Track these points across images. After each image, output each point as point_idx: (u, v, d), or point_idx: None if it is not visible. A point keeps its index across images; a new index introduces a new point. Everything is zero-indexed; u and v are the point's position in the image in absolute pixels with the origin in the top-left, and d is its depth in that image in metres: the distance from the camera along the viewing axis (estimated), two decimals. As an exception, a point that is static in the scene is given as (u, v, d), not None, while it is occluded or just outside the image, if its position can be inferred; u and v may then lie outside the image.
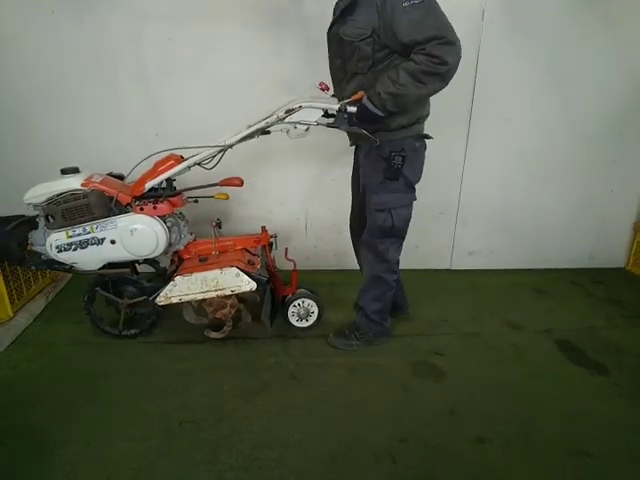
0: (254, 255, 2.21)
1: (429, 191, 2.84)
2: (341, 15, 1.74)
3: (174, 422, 1.73)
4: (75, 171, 2.01)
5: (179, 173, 1.99)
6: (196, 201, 2.15)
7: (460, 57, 1.59)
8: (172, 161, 1.98)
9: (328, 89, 1.88)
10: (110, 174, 2.15)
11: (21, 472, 1.52)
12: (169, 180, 2.02)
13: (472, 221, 2.95)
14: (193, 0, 2.41)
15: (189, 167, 1.99)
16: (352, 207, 2.24)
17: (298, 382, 1.96)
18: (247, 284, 2.02)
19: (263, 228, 2.23)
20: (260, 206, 2.83)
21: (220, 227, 2.15)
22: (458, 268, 3.06)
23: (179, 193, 2.06)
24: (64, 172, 2.00)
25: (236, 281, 2.01)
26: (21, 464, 1.55)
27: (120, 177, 2.13)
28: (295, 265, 2.23)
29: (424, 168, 1.95)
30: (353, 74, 1.79)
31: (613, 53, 2.62)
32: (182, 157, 2.01)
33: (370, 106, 1.69)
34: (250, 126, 1.92)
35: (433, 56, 1.55)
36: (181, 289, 2.02)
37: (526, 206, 2.93)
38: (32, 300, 2.48)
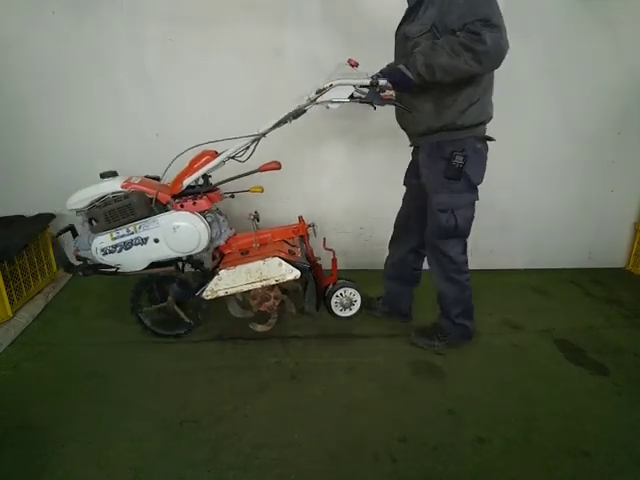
0: (293, 246, 2.22)
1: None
2: (409, 15, 1.81)
3: (174, 422, 1.73)
4: (114, 174, 2.03)
5: (215, 168, 1.99)
6: (232, 196, 2.15)
7: (502, 47, 1.58)
8: (207, 157, 1.98)
9: (357, 65, 1.87)
10: (147, 177, 2.15)
11: (21, 472, 1.52)
12: (205, 176, 2.02)
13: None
14: (193, 0, 2.42)
15: (224, 161, 1.99)
16: (402, 207, 2.25)
17: (298, 382, 1.96)
18: (291, 272, 2.03)
19: (300, 218, 2.22)
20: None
21: (258, 220, 2.14)
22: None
23: (216, 188, 2.06)
24: (103, 176, 2.01)
25: (279, 270, 2.02)
26: (21, 464, 1.55)
27: (156, 179, 2.16)
28: (334, 254, 2.22)
29: None
30: None
31: (613, 53, 2.63)
32: (216, 152, 2.01)
33: (404, 69, 1.69)
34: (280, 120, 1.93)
35: (473, 32, 1.56)
36: (226, 282, 2.03)
37: (526, 206, 2.93)
38: (32, 300, 2.48)
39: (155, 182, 2.11)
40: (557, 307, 2.63)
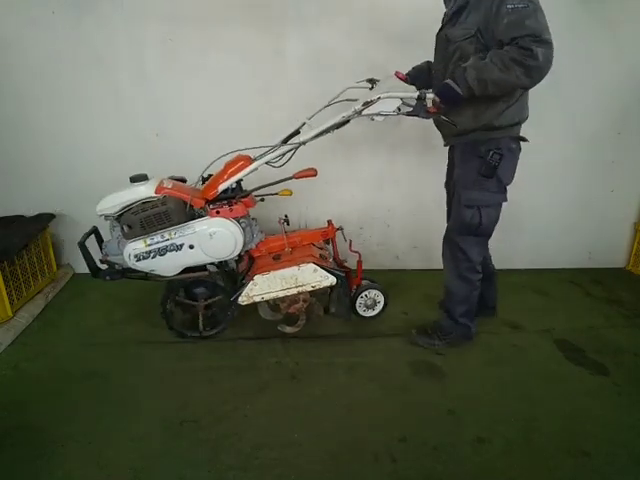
0: (321, 248, 2.24)
1: (429, 191, 2.87)
2: (451, 19, 1.82)
3: (174, 422, 1.73)
4: (144, 178, 1.99)
5: (249, 174, 1.98)
6: (262, 199, 2.14)
7: (551, 63, 1.61)
8: (242, 162, 1.97)
9: (406, 78, 1.88)
10: (172, 178, 2.13)
11: (21, 472, 1.52)
12: (238, 181, 2.01)
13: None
14: (193, 0, 2.42)
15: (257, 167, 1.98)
16: (448, 208, 2.25)
17: (298, 382, 1.96)
18: (327, 279, 2.05)
19: (329, 222, 2.22)
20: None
21: (288, 223, 2.15)
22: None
23: (249, 193, 2.05)
24: (133, 180, 1.98)
25: (315, 277, 2.03)
26: (21, 464, 1.55)
27: (182, 180, 2.15)
28: (360, 256, 2.23)
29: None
30: (453, 74, 1.80)
31: (613, 53, 2.62)
32: (250, 157, 2.00)
33: (452, 84, 1.70)
34: (309, 118, 1.98)
35: (525, 48, 1.57)
36: (262, 288, 2.04)
37: (526, 206, 2.92)
38: (31, 300, 2.48)
39: (188, 186, 2.10)
40: (557, 307, 2.63)
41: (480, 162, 1.86)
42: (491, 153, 1.82)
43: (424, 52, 2.51)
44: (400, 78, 1.86)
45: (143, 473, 1.52)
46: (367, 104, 1.76)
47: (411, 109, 1.76)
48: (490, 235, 2.04)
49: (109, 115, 2.59)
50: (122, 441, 1.64)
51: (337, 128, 1.89)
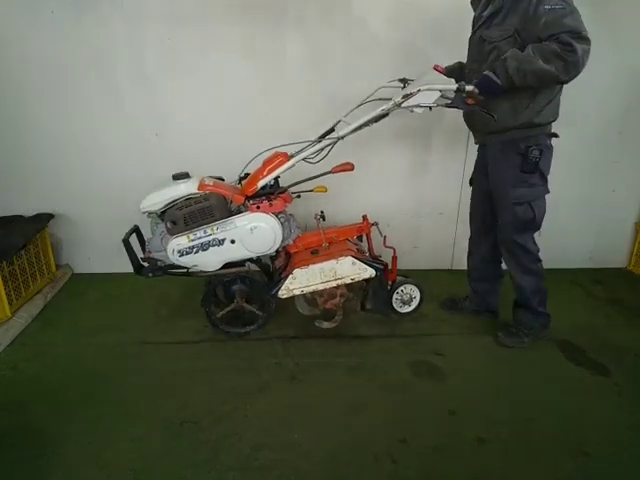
0: (355, 244, 2.25)
1: (429, 191, 2.87)
2: (485, 21, 1.86)
3: (174, 422, 1.73)
4: (186, 176, 2.03)
5: (287, 169, 1.99)
6: (299, 196, 2.16)
7: (587, 60, 1.64)
8: (281, 158, 1.99)
9: (444, 71, 1.89)
10: (210, 177, 2.16)
11: (21, 472, 1.52)
12: (276, 177, 2.03)
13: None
14: (193, 0, 2.41)
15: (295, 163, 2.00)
16: (474, 206, 2.30)
17: (298, 382, 1.96)
18: (365, 271, 2.06)
19: (364, 217, 2.23)
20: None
21: (324, 219, 2.16)
22: (459, 268, 3.05)
23: (287, 189, 2.07)
24: (176, 178, 2.02)
25: (354, 269, 2.05)
26: (21, 464, 1.55)
27: (220, 179, 2.17)
28: (395, 252, 2.23)
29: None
30: None
31: (613, 53, 2.62)
32: (287, 154, 2.02)
33: (491, 75, 1.73)
34: (345, 116, 1.99)
35: (564, 43, 1.61)
36: (301, 281, 2.05)
37: (526, 206, 2.92)
38: (30, 300, 2.48)
39: (228, 184, 2.14)
40: (558, 307, 2.61)
41: (520, 159, 1.90)
42: (531, 149, 1.87)
43: (424, 52, 2.54)
44: (439, 71, 1.87)
45: (143, 473, 1.52)
46: (407, 96, 1.77)
47: (450, 101, 1.78)
48: (540, 226, 2.09)
49: (109, 115, 2.58)
50: (122, 441, 1.64)
51: (376, 122, 1.90)
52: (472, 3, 2.03)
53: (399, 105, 1.80)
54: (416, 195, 2.87)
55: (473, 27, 1.99)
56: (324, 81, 2.58)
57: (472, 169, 2.66)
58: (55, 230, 2.79)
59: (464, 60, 2.09)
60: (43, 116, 2.56)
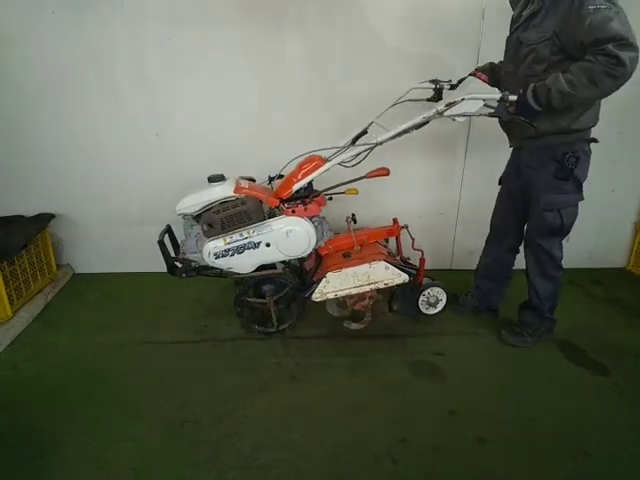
0: (384, 247, 2.26)
1: (429, 191, 2.87)
2: (523, 23, 1.82)
3: (174, 422, 1.73)
4: (222, 179, 2.04)
5: (322, 173, 2.00)
6: (330, 198, 2.16)
7: (636, 65, 1.59)
8: (316, 162, 1.99)
9: (487, 80, 1.88)
10: (242, 177, 2.16)
11: (21, 472, 1.52)
12: (310, 180, 2.04)
13: (472, 221, 2.95)
14: (193, 0, 2.41)
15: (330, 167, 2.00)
16: (499, 207, 2.28)
17: (298, 382, 1.96)
18: (399, 276, 2.07)
19: (395, 220, 2.23)
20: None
21: (355, 222, 2.16)
22: (458, 268, 3.05)
23: (321, 193, 2.08)
24: (211, 180, 2.02)
25: (387, 274, 2.06)
26: (21, 464, 1.55)
27: (251, 180, 2.18)
28: (423, 254, 2.23)
29: None
30: (525, 76, 1.81)
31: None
32: (321, 158, 2.02)
33: (530, 99, 1.71)
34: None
35: (612, 56, 1.55)
36: (334, 285, 2.07)
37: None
38: (31, 300, 2.48)
39: (263, 186, 2.15)
40: (557, 307, 2.62)
41: (556, 165, 1.88)
42: (567, 156, 1.85)
43: (424, 53, 2.54)
44: (483, 80, 1.85)
45: (143, 473, 1.52)
46: (450, 104, 1.76)
47: (492, 110, 1.77)
48: (569, 233, 2.08)
49: (109, 115, 2.58)
50: (122, 441, 1.64)
51: (416, 129, 1.89)
52: (511, 2, 1.99)
53: (441, 113, 1.79)
54: (416, 195, 2.87)
55: (511, 27, 1.95)
56: (324, 81, 2.57)
57: (472, 169, 2.68)
58: (56, 230, 2.80)
59: (492, 60, 2.07)
60: (43, 116, 2.56)
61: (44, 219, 2.63)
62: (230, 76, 2.54)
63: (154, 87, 2.55)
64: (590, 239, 3.06)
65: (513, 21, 1.95)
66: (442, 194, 2.88)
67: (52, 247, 2.73)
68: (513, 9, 1.97)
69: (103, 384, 1.93)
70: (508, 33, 1.97)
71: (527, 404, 1.86)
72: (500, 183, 2.28)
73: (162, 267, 2.15)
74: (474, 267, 2.54)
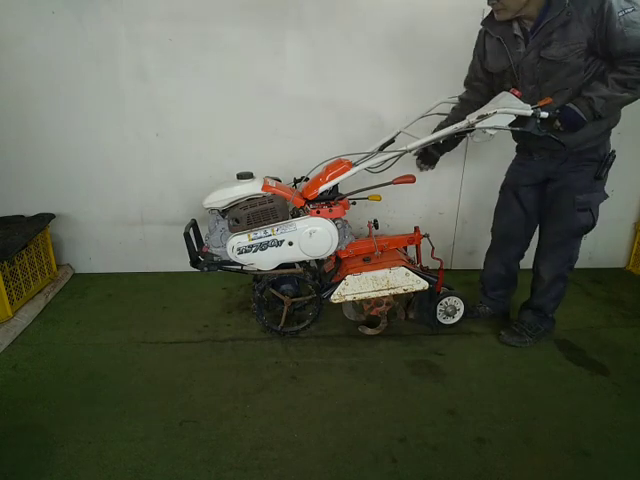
0: (405, 254, 2.27)
1: (429, 191, 2.87)
2: (544, 38, 1.76)
3: (174, 422, 1.73)
4: (250, 176, 2.06)
5: (348, 177, 2.01)
6: (354, 203, 2.17)
7: None
8: (344, 166, 2.01)
9: (521, 95, 1.84)
10: (268, 177, 2.17)
11: (21, 472, 1.52)
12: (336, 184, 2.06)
13: (472, 221, 2.96)
14: (193, 0, 2.41)
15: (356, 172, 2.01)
16: (507, 215, 2.24)
17: (298, 382, 1.96)
18: (419, 283, 2.08)
19: (416, 228, 2.25)
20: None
21: (377, 227, 2.18)
22: (458, 268, 3.06)
23: (346, 196, 2.10)
24: (240, 177, 2.05)
25: (407, 280, 2.07)
26: (21, 464, 1.55)
27: (277, 180, 2.19)
28: (442, 264, 2.23)
29: None
30: (556, 92, 1.81)
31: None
32: (350, 162, 2.04)
33: (577, 110, 1.73)
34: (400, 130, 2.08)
35: None
36: (353, 288, 2.08)
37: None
38: (31, 300, 2.48)
39: (287, 186, 2.17)
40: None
41: (597, 166, 1.92)
42: (607, 157, 1.91)
43: (425, 54, 2.54)
44: (517, 96, 1.82)
45: (143, 473, 1.52)
46: (482, 117, 1.76)
47: (525, 126, 1.77)
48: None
49: (109, 115, 2.59)
50: (122, 441, 1.64)
51: (444, 141, 1.91)
52: (488, 26, 1.91)
53: (473, 126, 1.79)
54: (416, 195, 2.88)
55: (510, 48, 1.85)
56: (324, 81, 2.58)
57: (472, 169, 2.67)
58: (56, 230, 2.80)
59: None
60: (44, 116, 2.57)
61: (44, 219, 2.63)
62: (230, 76, 2.55)
63: (154, 87, 2.55)
64: (590, 239, 3.06)
65: (508, 41, 1.85)
66: (442, 194, 2.88)
67: (52, 247, 2.73)
68: (491, 35, 1.90)
69: (103, 384, 1.93)
70: (499, 62, 1.92)
71: (527, 404, 1.86)
72: (501, 191, 2.25)
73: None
74: (474, 267, 2.55)
